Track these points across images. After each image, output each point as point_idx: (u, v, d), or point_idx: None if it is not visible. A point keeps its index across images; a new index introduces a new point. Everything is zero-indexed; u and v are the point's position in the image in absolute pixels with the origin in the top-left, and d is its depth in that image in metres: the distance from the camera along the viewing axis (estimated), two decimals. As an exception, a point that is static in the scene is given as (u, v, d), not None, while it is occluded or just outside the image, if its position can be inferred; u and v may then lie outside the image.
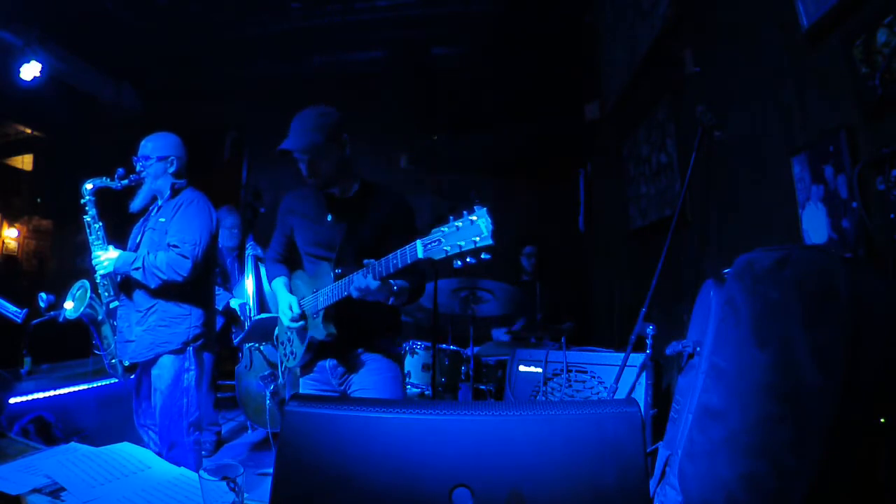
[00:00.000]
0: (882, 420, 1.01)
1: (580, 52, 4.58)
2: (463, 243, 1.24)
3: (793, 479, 1.04)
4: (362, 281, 1.53)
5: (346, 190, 1.84)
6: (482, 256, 1.25)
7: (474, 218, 1.23)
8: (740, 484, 1.13)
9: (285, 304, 1.83)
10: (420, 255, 1.34)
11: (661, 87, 2.81)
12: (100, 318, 2.31)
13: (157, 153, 2.29)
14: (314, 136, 1.70)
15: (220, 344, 3.59)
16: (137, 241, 2.30)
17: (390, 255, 1.45)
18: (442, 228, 1.28)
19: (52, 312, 2.38)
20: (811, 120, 1.62)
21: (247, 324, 3.45)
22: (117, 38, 4.43)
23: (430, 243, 1.31)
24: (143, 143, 2.32)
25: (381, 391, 1.79)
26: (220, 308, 3.45)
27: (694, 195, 2.41)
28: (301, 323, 1.80)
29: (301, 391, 1.93)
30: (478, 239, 1.22)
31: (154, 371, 2.19)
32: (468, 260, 1.26)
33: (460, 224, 1.25)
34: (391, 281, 1.62)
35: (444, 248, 1.27)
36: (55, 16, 3.96)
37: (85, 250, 2.32)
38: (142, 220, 2.38)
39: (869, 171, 1.35)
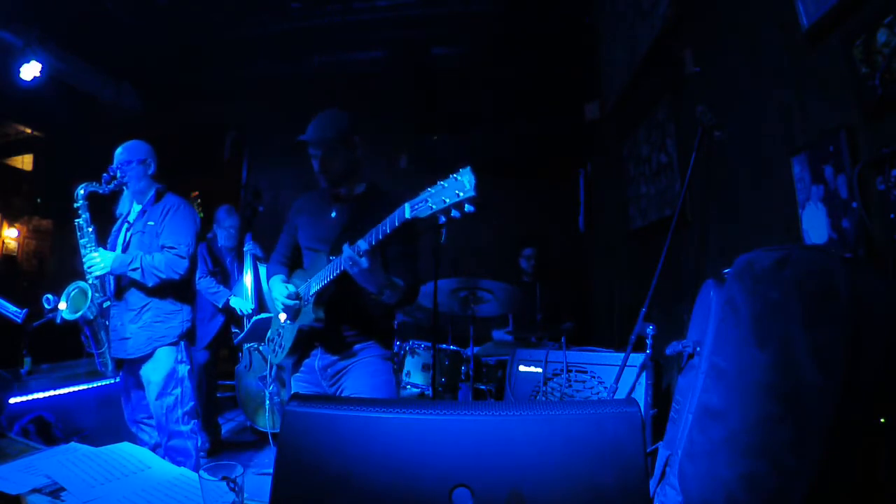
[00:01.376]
0: (882, 420, 1.01)
1: (580, 52, 4.58)
2: (447, 199, 1.30)
3: (793, 478, 1.04)
4: (349, 249, 1.53)
5: (353, 190, 1.91)
6: (466, 209, 1.30)
7: (459, 177, 1.29)
8: (740, 484, 1.13)
9: (281, 289, 1.84)
10: (408, 215, 1.38)
11: (661, 87, 2.81)
12: (96, 318, 2.32)
13: (136, 157, 2.39)
14: (327, 132, 1.81)
15: (220, 344, 3.60)
16: (122, 242, 2.37)
17: (380, 223, 1.49)
18: (429, 189, 1.34)
19: (50, 314, 2.39)
20: (811, 120, 1.62)
21: (245, 322, 3.45)
22: (117, 38, 4.44)
23: (417, 204, 1.37)
24: (118, 151, 2.41)
25: (373, 395, 1.76)
26: (220, 305, 3.46)
27: (694, 195, 2.41)
28: (296, 302, 1.80)
29: (292, 391, 1.93)
30: (461, 193, 1.28)
31: (149, 364, 2.27)
32: (453, 214, 1.31)
33: (446, 184, 1.31)
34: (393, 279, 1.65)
35: (430, 205, 1.33)
36: (55, 16, 3.97)
37: (84, 252, 2.34)
38: (120, 222, 2.46)
39: (869, 171, 1.35)
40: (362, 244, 1.52)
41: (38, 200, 6.46)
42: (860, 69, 1.35)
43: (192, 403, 2.32)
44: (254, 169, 5.73)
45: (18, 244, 7.01)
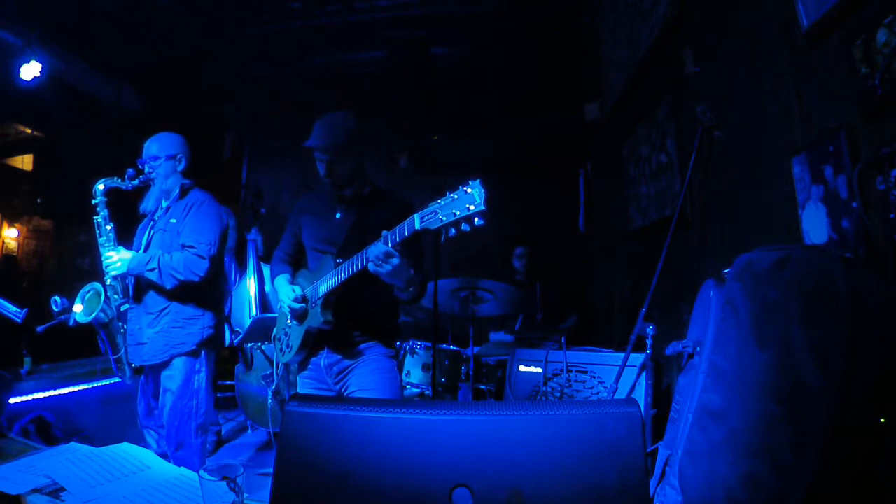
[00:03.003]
0: (882, 420, 1.01)
1: (580, 52, 4.58)
2: (458, 211, 1.32)
3: (793, 478, 1.04)
4: (380, 245, 1.54)
5: (358, 192, 1.93)
6: (476, 222, 1.31)
7: (469, 190, 1.31)
8: (740, 484, 1.13)
9: (287, 291, 1.86)
10: (417, 226, 1.41)
11: (661, 87, 2.81)
12: (112, 321, 2.23)
13: (165, 152, 2.28)
14: (337, 137, 1.82)
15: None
16: (145, 241, 2.26)
17: (390, 232, 1.52)
18: (438, 201, 1.36)
19: (62, 316, 2.32)
20: (811, 120, 1.62)
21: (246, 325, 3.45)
22: (117, 38, 4.43)
23: (426, 215, 1.39)
24: (147, 143, 2.30)
25: (379, 392, 1.80)
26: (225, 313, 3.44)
27: (694, 195, 2.41)
28: (303, 305, 1.83)
29: (299, 390, 1.95)
30: (472, 207, 1.30)
31: (165, 372, 2.17)
32: (462, 227, 1.33)
33: (456, 196, 1.33)
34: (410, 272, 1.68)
35: (440, 217, 1.35)
36: (55, 16, 3.96)
37: (86, 251, 2.32)
38: (146, 220, 2.36)
39: (869, 171, 1.34)
40: (383, 247, 1.54)
41: (38, 200, 6.44)
42: (860, 69, 1.35)
43: (205, 416, 2.21)
44: (254, 169, 5.73)
45: (18, 244, 7.01)
